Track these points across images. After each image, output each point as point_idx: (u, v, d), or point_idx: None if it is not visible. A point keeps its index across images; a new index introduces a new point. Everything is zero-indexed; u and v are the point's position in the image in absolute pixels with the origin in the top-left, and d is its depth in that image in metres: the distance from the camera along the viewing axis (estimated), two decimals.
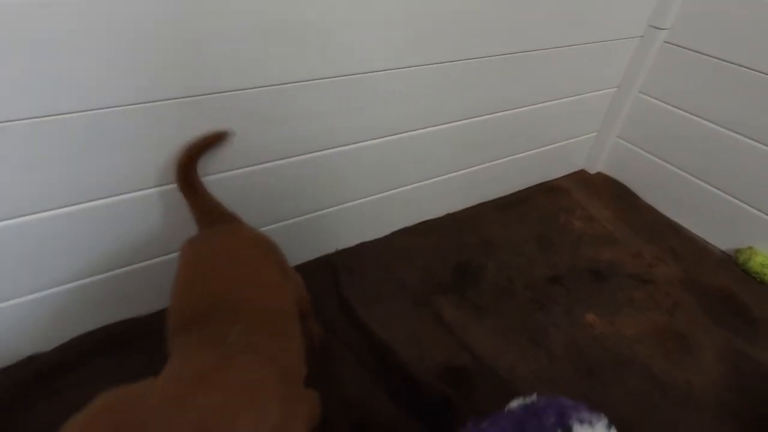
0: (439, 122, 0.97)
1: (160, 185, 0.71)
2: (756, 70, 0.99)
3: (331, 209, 0.96)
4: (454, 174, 1.12)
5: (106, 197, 0.69)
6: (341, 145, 0.87)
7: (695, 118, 1.14)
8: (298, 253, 0.98)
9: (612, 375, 0.84)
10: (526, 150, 1.23)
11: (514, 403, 0.49)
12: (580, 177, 1.40)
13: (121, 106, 0.61)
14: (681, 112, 1.17)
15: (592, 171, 1.42)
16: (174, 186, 0.66)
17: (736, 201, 1.10)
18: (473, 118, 1.03)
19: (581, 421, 0.41)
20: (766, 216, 1.06)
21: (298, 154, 0.82)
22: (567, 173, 1.41)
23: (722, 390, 0.83)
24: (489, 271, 1.03)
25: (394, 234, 1.11)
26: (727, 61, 1.03)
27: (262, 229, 0.87)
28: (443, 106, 0.95)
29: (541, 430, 0.41)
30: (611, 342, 0.90)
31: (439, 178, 1.10)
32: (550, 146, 1.28)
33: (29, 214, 0.64)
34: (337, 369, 0.79)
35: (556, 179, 1.38)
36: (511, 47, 0.94)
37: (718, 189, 1.13)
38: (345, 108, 0.81)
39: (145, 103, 0.63)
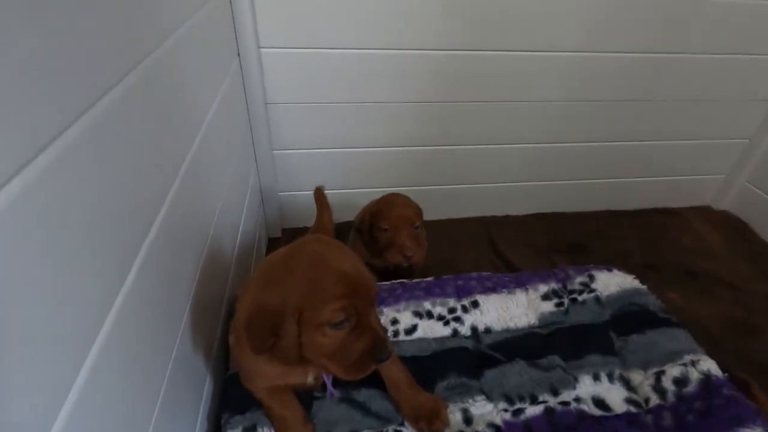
0: (580, 140, 1.44)
1: None
2: None
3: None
4: (591, 181, 1.56)
5: None
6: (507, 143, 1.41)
7: None
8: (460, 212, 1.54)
9: None
10: (652, 176, 1.59)
11: None
12: (703, 211, 1.67)
13: None
14: None
15: (717, 208, 1.68)
16: None
17: None
18: (603, 143, 1.47)
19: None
20: None
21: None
22: (690, 205, 1.69)
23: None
24: (594, 250, 1.44)
25: (532, 215, 1.60)
26: None
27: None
28: (583, 127, 1.42)
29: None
30: (684, 314, 1.23)
31: (578, 181, 1.55)
32: (675, 177, 1.61)
33: None
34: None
35: (679, 207, 1.68)
36: (652, 93, 1.36)
37: None
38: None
39: None
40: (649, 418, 0.67)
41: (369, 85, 1.19)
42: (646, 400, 0.70)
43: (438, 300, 0.83)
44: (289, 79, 1.13)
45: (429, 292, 0.84)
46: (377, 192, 1.17)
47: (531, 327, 0.81)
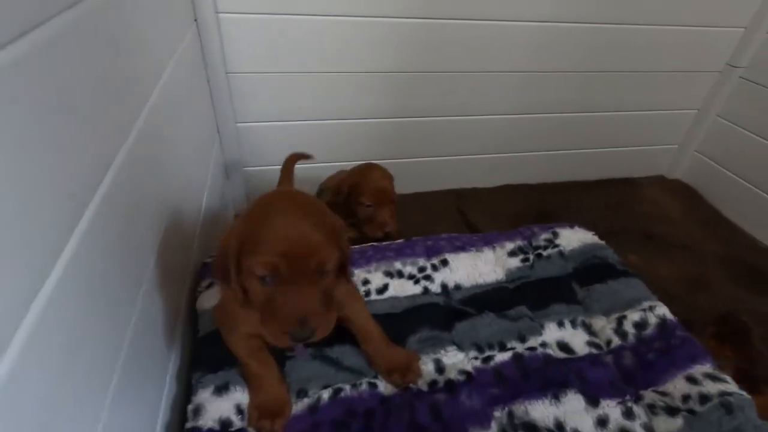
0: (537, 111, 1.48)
1: None
2: None
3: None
4: (557, 152, 1.60)
5: None
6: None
7: (762, 140, 1.45)
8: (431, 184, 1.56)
9: None
10: (610, 147, 1.65)
11: None
12: (659, 180, 1.75)
13: None
14: (753, 135, 1.48)
15: (670, 177, 1.76)
16: None
17: None
18: (566, 113, 1.51)
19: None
20: None
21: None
22: (647, 175, 1.77)
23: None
24: (561, 219, 1.48)
25: (501, 187, 1.63)
26: None
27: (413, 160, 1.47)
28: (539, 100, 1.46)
29: None
30: (644, 274, 1.29)
31: (545, 153, 1.59)
32: (632, 148, 1.68)
33: None
34: None
35: (637, 177, 1.75)
36: (607, 64, 1.41)
37: None
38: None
39: None
40: (609, 358, 0.70)
41: (336, 55, 1.17)
42: (608, 343, 0.73)
43: (408, 260, 0.84)
44: (251, 47, 1.10)
45: (400, 253, 0.85)
46: (347, 166, 1.16)
47: (499, 282, 0.84)
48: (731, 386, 0.61)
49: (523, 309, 0.77)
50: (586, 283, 0.82)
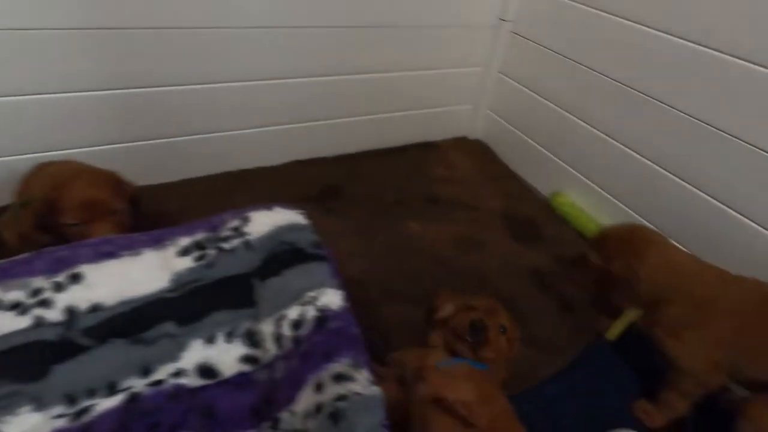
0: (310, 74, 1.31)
1: None
2: (588, 67, 1.26)
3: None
4: (350, 119, 1.46)
5: None
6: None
7: (538, 97, 1.45)
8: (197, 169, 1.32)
9: (408, 256, 1.17)
10: (406, 110, 1.56)
11: None
12: (460, 141, 1.73)
13: None
14: (528, 91, 1.49)
15: (471, 138, 1.75)
16: None
17: (557, 160, 1.43)
18: (348, 75, 1.37)
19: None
20: (570, 168, 1.39)
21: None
22: (449, 137, 1.74)
23: (495, 273, 1.15)
24: (349, 192, 1.37)
25: (288, 164, 1.45)
26: (556, 52, 1.35)
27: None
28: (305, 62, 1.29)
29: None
30: (422, 240, 1.23)
31: (336, 121, 1.44)
32: (429, 110, 1.61)
33: None
34: None
35: (439, 141, 1.71)
36: (362, 20, 1.28)
37: (553, 154, 1.45)
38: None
39: None
40: (264, 374, 0.56)
41: None
42: (268, 352, 0.59)
43: (15, 282, 0.60)
44: None
45: (5, 273, 0.60)
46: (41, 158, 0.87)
47: (161, 292, 0.64)
48: (358, 385, 0.49)
49: (167, 326, 0.59)
50: (267, 277, 0.67)
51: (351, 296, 1.02)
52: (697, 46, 0.99)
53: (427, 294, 1.05)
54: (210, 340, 0.58)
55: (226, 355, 0.57)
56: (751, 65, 0.91)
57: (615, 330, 0.94)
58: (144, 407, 0.50)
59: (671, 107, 1.07)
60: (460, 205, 1.38)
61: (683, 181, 1.09)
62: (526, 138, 1.54)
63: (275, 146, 1.41)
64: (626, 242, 0.83)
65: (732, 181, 0.99)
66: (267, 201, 1.28)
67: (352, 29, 1.29)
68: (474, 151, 1.67)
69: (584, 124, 1.32)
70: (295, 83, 1.31)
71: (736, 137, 0.96)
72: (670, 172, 1.12)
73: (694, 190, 1.07)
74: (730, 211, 1.01)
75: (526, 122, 1.53)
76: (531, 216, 1.38)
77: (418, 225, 1.28)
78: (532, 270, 1.18)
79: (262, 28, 1.17)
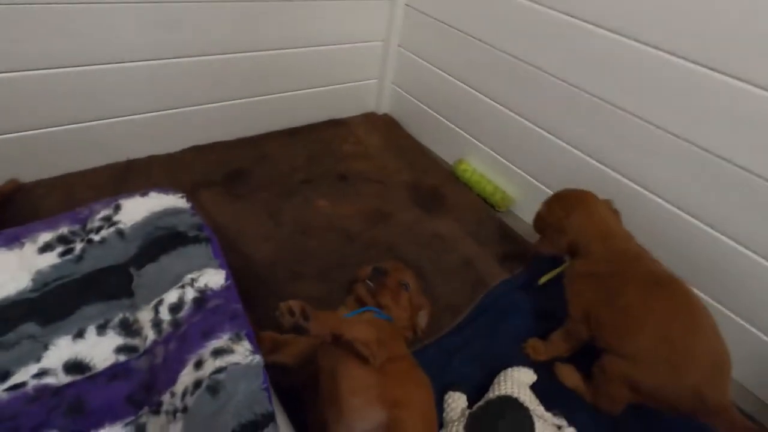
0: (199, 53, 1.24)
1: None
2: (480, 40, 1.31)
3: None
4: (255, 99, 1.41)
5: None
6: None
7: (436, 69, 1.50)
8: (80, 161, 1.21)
9: (317, 234, 1.18)
10: (311, 87, 1.54)
11: None
12: (368, 117, 1.75)
13: None
14: (427, 64, 1.53)
15: (379, 112, 1.78)
16: None
17: (458, 129, 1.50)
18: (242, 53, 1.31)
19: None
20: (470, 137, 1.46)
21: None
22: (358, 113, 1.75)
23: (401, 241, 1.20)
24: (256, 174, 1.34)
25: (186, 150, 1.37)
26: (450, 26, 1.39)
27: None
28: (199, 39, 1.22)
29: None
30: (330, 218, 1.24)
31: (240, 101, 1.38)
32: (335, 86, 1.60)
33: None
34: None
35: (348, 117, 1.71)
36: None
37: (454, 124, 1.51)
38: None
39: None
40: (143, 361, 0.55)
41: None
42: (146, 340, 0.57)
43: None
44: None
45: None
46: None
47: (20, 293, 0.59)
48: (237, 356, 0.50)
49: (29, 327, 0.55)
50: (144, 265, 0.64)
51: (259, 278, 1.03)
52: (581, 22, 1.07)
53: (335, 268, 1.08)
54: (79, 335, 0.55)
55: (98, 348, 0.54)
56: (619, 37, 1.00)
57: (545, 278, 1.04)
58: (1, 414, 0.47)
59: (561, 80, 1.16)
60: (369, 179, 1.41)
61: (569, 145, 1.20)
62: (429, 110, 1.59)
63: (169, 132, 1.33)
64: (564, 199, 0.96)
65: (604, 143, 1.11)
66: (203, 169, 1.21)
67: (245, 3, 1.24)
68: (382, 126, 1.70)
69: (480, 96, 1.39)
70: (186, 62, 1.24)
71: (609, 102, 1.07)
72: (558, 138, 1.22)
73: (576, 152, 1.19)
74: (610, 171, 1.12)
75: (428, 94, 1.59)
76: (435, 185, 1.44)
77: (327, 202, 1.29)
78: (436, 235, 1.25)
79: (142, 3, 1.08)
